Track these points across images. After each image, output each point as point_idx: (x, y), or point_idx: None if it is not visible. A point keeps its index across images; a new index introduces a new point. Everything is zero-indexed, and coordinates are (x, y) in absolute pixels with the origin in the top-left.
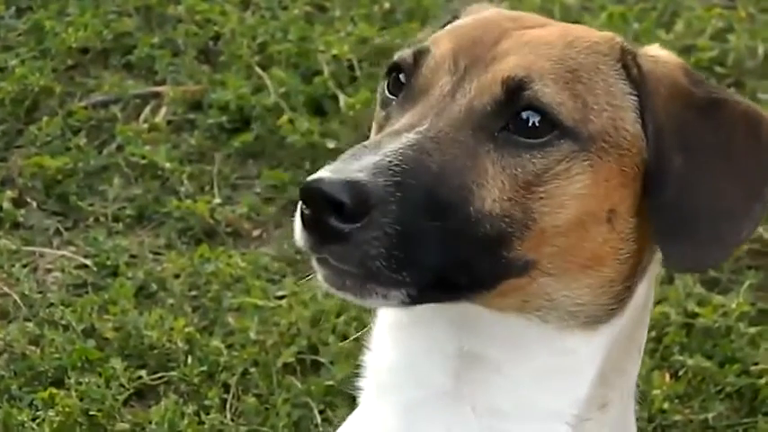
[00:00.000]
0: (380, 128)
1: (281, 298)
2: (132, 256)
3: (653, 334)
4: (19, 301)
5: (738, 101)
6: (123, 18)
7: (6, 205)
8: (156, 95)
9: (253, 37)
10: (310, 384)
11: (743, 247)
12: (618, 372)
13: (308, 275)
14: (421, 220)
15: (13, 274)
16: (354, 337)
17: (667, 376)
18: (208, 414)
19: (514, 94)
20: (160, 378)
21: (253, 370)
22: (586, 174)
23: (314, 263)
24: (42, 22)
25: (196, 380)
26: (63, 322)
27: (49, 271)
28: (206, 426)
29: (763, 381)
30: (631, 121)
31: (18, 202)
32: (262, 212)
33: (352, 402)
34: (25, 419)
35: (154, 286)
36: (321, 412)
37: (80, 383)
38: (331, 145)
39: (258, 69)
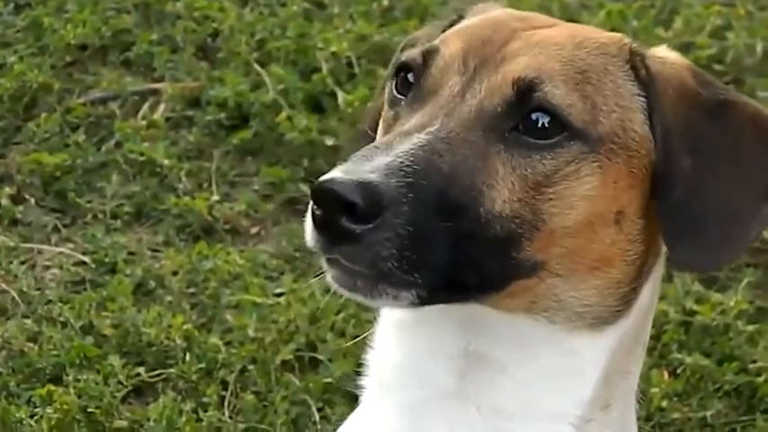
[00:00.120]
0: (388, 127)
1: (279, 295)
2: (130, 253)
3: (651, 332)
4: (17, 297)
5: (746, 102)
6: (122, 15)
7: (4, 202)
8: (155, 92)
9: (251, 34)
10: (308, 382)
11: None
12: (622, 373)
13: (307, 273)
14: (432, 221)
15: (12, 271)
16: (358, 338)
17: (666, 374)
18: (206, 411)
19: (525, 95)
20: (158, 375)
21: (251, 367)
22: (595, 175)
23: (324, 263)
24: (41, 19)
25: (194, 377)
26: (61, 319)
27: (48, 268)
28: (204, 423)
29: (761, 378)
30: (640, 123)
31: (16, 199)
32: (260, 210)
33: (350, 400)
34: (23, 416)
35: (152, 283)
36: (319, 410)
37: (78, 380)
38: (329, 142)
39: (257, 66)
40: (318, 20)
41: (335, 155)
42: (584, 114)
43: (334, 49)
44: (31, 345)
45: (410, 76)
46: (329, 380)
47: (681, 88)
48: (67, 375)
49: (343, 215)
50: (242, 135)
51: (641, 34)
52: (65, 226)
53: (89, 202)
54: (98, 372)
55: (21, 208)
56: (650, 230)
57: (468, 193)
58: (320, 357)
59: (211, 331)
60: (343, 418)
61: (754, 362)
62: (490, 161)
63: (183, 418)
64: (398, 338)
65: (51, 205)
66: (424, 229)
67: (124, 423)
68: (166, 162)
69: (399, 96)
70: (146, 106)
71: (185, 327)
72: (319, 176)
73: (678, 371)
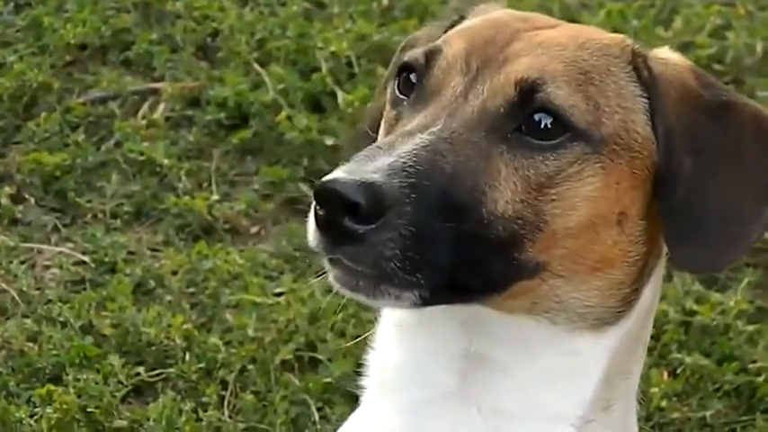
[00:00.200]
0: (390, 127)
1: (279, 295)
2: (130, 253)
3: (651, 331)
4: (17, 297)
5: (747, 103)
6: (122, 14)
7: (4, 201)
8: (155, 92)
9: (251, 33)
10: (308, 381)
11: None
12: (623, 374)
13: (306, 273)
14: (435, 222)
15: (11, 271)
16: (359, 339)
17: (665, 374)
18: (206, 411)
19: (527, 95)
20: (158, 375)
21: (251, 367)
22: (598, 176)
23: (326, 263)
24: (41, 18)
25: (194, 377)
26: (61, 319)
27: (47, 267)
28: (204, 423)
29: (761, 378)
30: (642, 124)
31: (16, 199)
32: (260, 209)
33: (350, 400)
34: (23, 416)
35: (152, 283)
36: (319, 409)
37: (78, 380)
38: (329, 142)
39: (256, 66)
40: (318, 19)
41: (335, 154)
42: (587, 115)
43: (333, 48)
44: (31, 344)
45: (412, 77)
46: (329, 380)
47: (683, 89)
48: (67, 375)
49: (345, 215)
50: (242, 135)
51: (641, 34)
52: (64, 225)
53: (89, 201)
54: (98, 371)
55: (20, 207)
56: (652, 231)
57: (470, 193)
58: (320, 357)
59: (211, 331)
60: (342, 418)
61: (754, 362)
62: (493, 162)
63: (183, 418)
64: (399, 339)
65: (51, 205)
66: (426, 229)
67: (124, 423)
68: (166, 162)
69: (402, 96)
70: (145, 106)
71: (185, 326)
72: (319, 176)
73: (678, 371)
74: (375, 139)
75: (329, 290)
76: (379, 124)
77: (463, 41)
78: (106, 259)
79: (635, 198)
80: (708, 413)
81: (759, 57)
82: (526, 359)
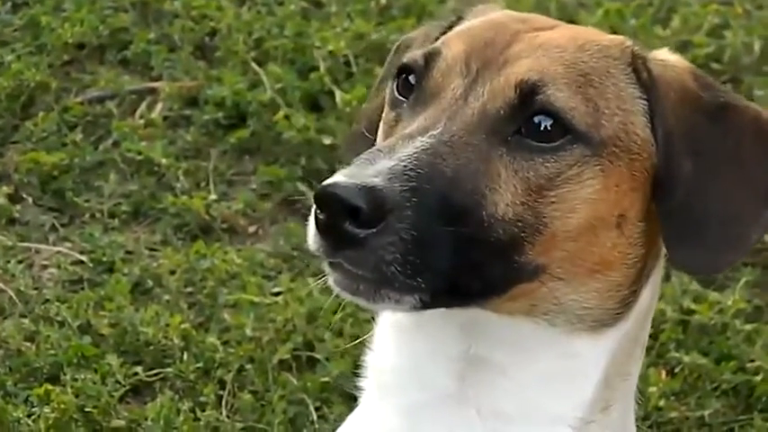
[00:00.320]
0: (390, 129)
1: (276, 294)
2: (128, 253)
3: (649, 331)
4: (14, 297)
5: (747, 105)
6: (119, 13)
7: (2, 201)
8: (152, 91)
9: (249, 33)
10: (306, 381)
11: None
12: (622, 375)
13: (304, 272)
14: (435, 226)
15: (9, 271)
16: (357, 339)
17: (663, 373)
18: (203, 411)
19: (527, 97)
20: (156, 374)
21: (248, 366)
22: (598, 178)
23: (326, 267)
24: (38, 18)
25: (192, 376)
26: (59, 318)
27: (45, 267)
28: (201, 422)
29: (758, 378)
30: (642, 126)
31: (14, 198)
32: (257, 209)
33: (348, 399)
34: (20, 416)
35: (149, 282)
36: (317, 409)
37: (76, 380)
38: (327, 141)
39: (254, 65)
40: (316, 19)
41: (333, 154)
42: (587, 117)
43: (331, 47)
44: (29, 344)
45: (411, 78)
46: (327, 379)
47: (682, 91)
48: (65, 375)
49: (346, 219)
50: (239, 134)
51: (639, 33)
52: (62, 225)
53: (87, 201)
54: (96, 371)
55: (18, 207)
56: (650, 233)
57: (470, 196)
58: (318, 356)
59: (209, 330)
60: (340, 418)
61: (752, 361)
62: (493, 164)
63: (181, 418)
64: (398, 341)
65: (49, 204)
66: (427, 233)
67: (122, 422)
68: (164, 161)
69: (401, 98)
70: (143, 105)
71: (183, 326)
72: (317, 175)
73: (676, 370)
74: (371, 140)
75: (327, 289)
76: (375, 125)
77: (463, 43)
78: (104, 259)
79: (634, 200)
80: (706, 412)
81: (757, 55)
82: (525, 361)
